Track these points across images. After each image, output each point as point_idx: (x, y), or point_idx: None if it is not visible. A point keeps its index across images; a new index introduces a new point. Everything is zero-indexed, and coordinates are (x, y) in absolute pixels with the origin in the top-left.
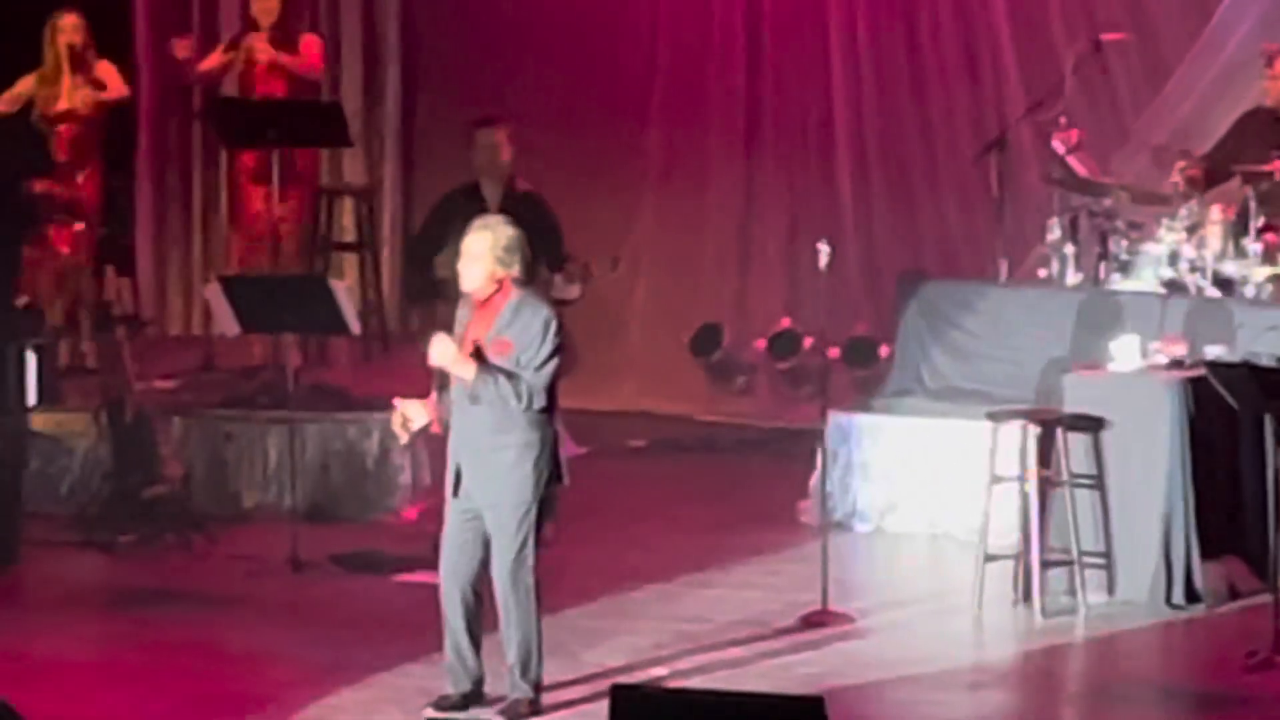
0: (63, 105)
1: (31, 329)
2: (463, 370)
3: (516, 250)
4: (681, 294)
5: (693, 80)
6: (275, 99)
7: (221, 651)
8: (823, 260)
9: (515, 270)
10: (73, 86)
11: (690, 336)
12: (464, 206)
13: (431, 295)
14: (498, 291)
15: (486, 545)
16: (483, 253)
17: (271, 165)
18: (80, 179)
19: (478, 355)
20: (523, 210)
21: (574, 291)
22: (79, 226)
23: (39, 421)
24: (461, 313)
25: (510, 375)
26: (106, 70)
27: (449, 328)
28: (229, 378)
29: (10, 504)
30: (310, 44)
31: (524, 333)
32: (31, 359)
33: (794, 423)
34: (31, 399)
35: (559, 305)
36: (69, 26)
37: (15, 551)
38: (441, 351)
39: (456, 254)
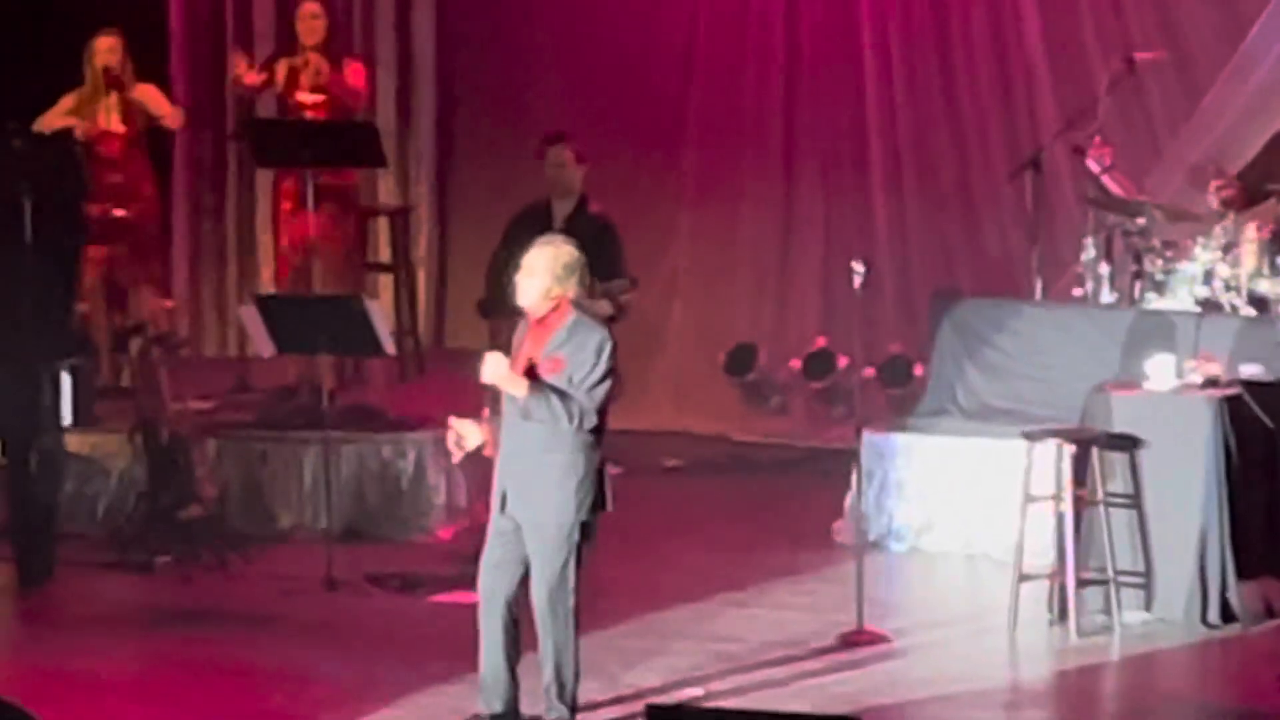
0: (100, 126)
1: (67, 350)
2: (515, 388)
3: (576, 269)
4: (717, 314)
5: (728, 100)
6: (310, 119)
7: (256, 671)
8: (857, 280)
9: (573, 290)
10: (109, 108)
11: (725, 356)
12: (532, 223)
13: (504, 312)
14: (554, 310)
15: (526, 564)
16: (542, 269)
17: (312, 186)
18: (123, 200)
19: (530, 373)
20: (585, 231)
21: (603, 308)
22: (118, 247)
23: (75, 442)
24: (518, 331)
25: (562, 394)
26: (146, 92)
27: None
28: (264, 398)
29: (46, 524)
30: (356, 69)
31: (578, 352)
32: (67, 380)
33: (829, 442)
34: (67, 419)
35: None
36: (104, 48)
37: (51, 571)
38: (494, 368)
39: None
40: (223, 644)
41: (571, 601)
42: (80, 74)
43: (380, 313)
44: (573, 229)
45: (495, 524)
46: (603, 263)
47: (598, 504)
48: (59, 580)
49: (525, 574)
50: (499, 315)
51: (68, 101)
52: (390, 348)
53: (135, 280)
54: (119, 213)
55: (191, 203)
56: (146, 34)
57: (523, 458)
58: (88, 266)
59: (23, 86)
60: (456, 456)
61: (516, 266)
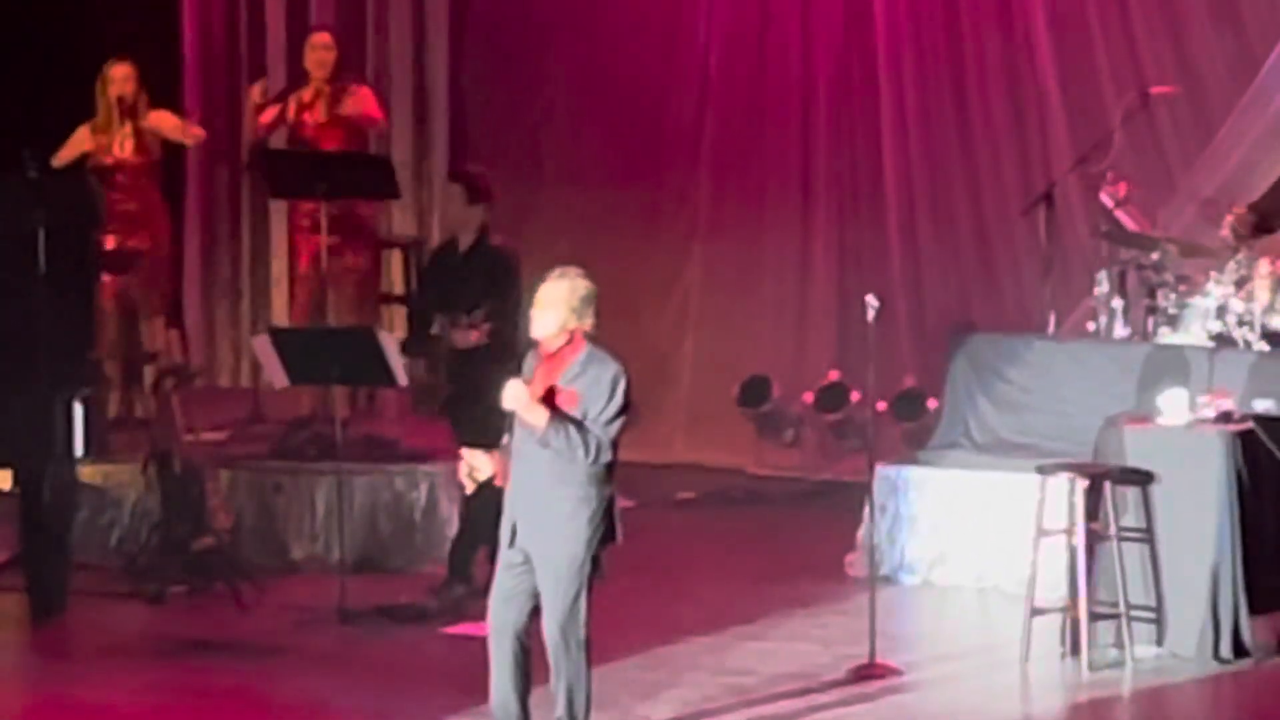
0: (115, 155)
1: (80, 380)
2: (534, 416)
3: (591, 303)
4: (730, 346)
5: (743, 133)
6: (324, 151)
7: (269, 702)
8: (871, 313)
9: (588, 323)
10: (123, 137)
11: (739, 389)
12: (440, 260)
13: (423, 351)
14: (567, 344)
15: (536, 596)
16: (557, 301)
17: (327, 217)
18: (137, 229)
19: (549, 402)
20: (483, 262)
21: (472, 338)
22: (130, 277)
23: (88, 473)
24: (528, 363)
25: (580, 426)
26: (160, 119)
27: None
28: (277, 429)
29: (59, 554)
30: (366, 95)
31: (592, 386)
32: (79, 410)
33: (842, 475)
34: (80, 450)
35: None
36: (118, 77)
37: (64, 601)
38: (514, 396)
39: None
40: (235, 675)
41: (583, 634)
42: (94, 104)
43: (393, 343)
44: (472, 261)
45: (505, 556)
46: (493, 293)
47: (607, 536)
48: (72, 610)
49: (536, 606)
50: (420, 355)
51: (83, 132)
52: (403, 378)
53: (148, 310)
54: (132, 242)
55: (205, 233)
56: (160, 64)
57: (533, 489)
58: (101, 296)
59: (39, 116)
60: (470, 488)
61: (435, 305)
